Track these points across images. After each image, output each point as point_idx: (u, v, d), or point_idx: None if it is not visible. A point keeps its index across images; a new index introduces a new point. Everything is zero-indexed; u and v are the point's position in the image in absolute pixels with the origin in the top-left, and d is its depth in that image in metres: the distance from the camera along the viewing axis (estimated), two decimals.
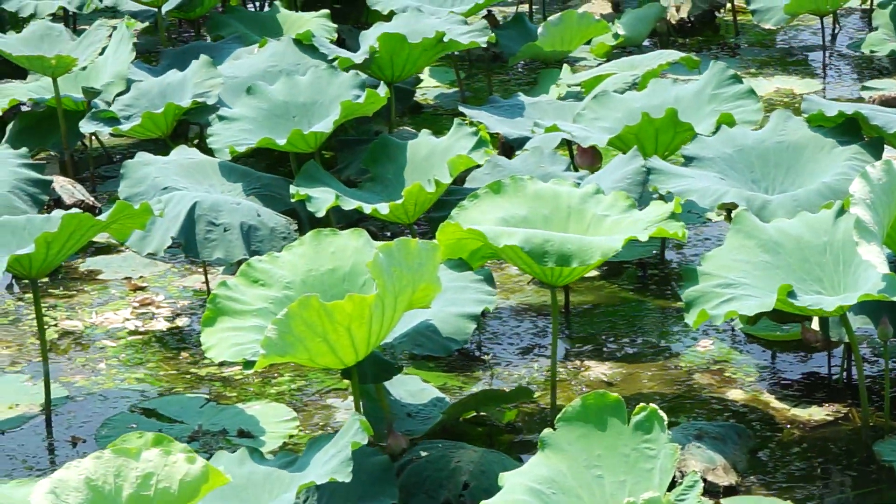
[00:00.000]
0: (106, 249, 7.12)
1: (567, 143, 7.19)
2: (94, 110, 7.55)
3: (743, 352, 5.85)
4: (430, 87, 9.45)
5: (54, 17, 9.81)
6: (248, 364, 4.75)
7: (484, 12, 10.17)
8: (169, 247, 6.21)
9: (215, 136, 7.00)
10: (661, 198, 6.00)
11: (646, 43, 10.07)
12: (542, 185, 5.56)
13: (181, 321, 6.34)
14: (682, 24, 10.42)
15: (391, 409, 5.10)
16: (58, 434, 5.44)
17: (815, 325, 5.47)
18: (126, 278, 6.80)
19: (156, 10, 9.64)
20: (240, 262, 6.14)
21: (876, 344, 5.79)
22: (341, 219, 6.80)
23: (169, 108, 7.31)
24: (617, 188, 5.91)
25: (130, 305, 6.48)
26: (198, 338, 6.08)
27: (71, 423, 5.51)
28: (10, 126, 8.11)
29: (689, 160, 6.25)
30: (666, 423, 4.07)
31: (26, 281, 6.67)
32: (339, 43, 9.14)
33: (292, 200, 6.46)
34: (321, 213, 6.32)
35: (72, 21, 10.60)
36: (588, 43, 9.55)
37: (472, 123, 6.73)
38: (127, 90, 7.74)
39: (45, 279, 6.66)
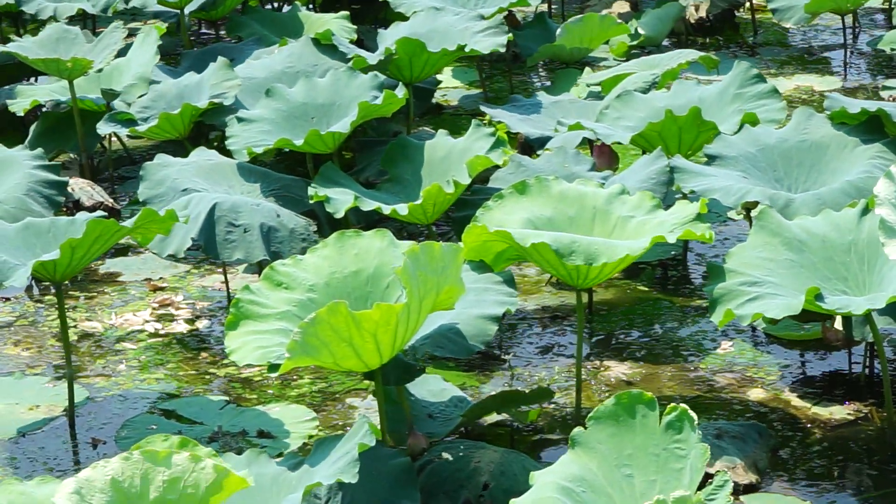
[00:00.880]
0: (125, 251, 7.13)
1: (588, 143, 7.17)
2: (112, 112, 7.55)
3: (763, 351, 5.83)
4: (451, 88, 9.43)
5: (73, 20, 9.81)
6: (273, 367, 4.75)
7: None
8: (189, 248, 6.21)
9: (234, 138, 7.00)
10: (685, 197, 5.98)
11: (665, 42, 10.04)
12: (567, 186, 5.54)
13: (201, 322, 6.34)
14: (701, 23, 10.39)
15: (412, 409, 5.09)
16: (78, 436, 5.44)
17: (837, 324, 5.45)
18: (146, 279, 6.81)
19: (178, 11, 9.63)
20: (261, 262, 6.14)
21: None
22: (360, 219, 6.80)
23: (186, 109, 7.31)
24: (642, 188, 5.88)
25: (150, 306, 6.48)
26: (218, 338, 6.11)
27: (91, 425, 5.51)
28: (33, 126, 8.11)
29: (711, 159, 6.22)
30: (696, 423, 4.05)
31: (46, 283, 6.70)
32: (358, 43, 9.13)
33: (311, 202, 6.46)
34: (340, 214, 6.32)
35: (91, 23, 10.60)
36: (607, 43, 9.53)
37: (490, 123, 6.71)
38: (146, 92, 7.75)
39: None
